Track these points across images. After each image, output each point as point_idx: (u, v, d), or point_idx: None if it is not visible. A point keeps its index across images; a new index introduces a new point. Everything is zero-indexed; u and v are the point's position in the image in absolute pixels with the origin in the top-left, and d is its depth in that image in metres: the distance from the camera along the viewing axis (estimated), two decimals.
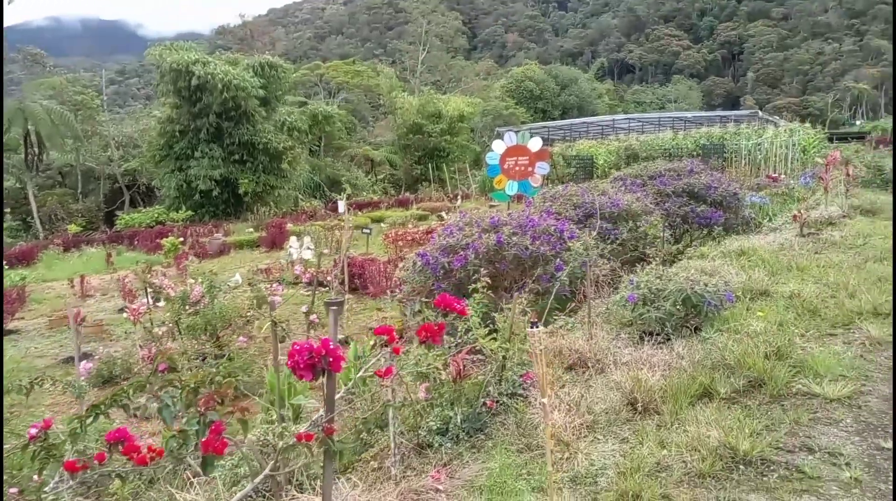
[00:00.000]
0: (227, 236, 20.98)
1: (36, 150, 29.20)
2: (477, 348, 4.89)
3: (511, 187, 18.46)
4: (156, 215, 24.52)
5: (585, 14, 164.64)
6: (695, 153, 28.41)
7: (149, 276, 8.75)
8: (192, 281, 12.54)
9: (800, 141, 27.32)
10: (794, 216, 8.84)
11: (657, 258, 6.91)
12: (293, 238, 15.61)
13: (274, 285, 9.09)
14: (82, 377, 5.78)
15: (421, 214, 24.00)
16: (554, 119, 61.57)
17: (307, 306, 8.34)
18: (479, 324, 4.87)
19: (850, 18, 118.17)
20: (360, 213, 25.61)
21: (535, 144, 18.66)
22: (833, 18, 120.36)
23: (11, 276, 13.48)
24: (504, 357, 4.43)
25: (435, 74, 58.91)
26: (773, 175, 19.47)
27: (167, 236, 19.36)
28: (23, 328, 10.39)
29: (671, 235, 10.16)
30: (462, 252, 7.53)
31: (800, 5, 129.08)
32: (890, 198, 11.14)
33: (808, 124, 31.93)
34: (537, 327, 3.00)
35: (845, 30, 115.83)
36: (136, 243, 19.04)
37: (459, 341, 4.98)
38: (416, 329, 3.53)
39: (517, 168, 19.21)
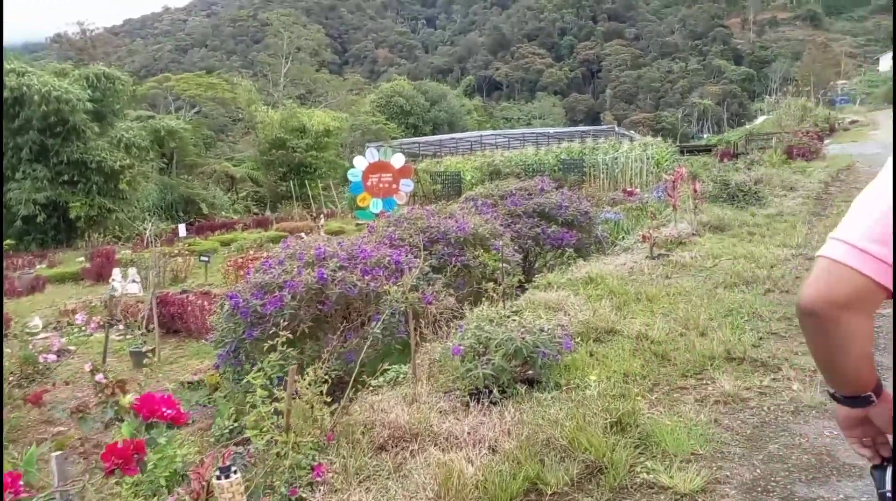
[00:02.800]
0: (51, 266, 18.52)
1: None
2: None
3: (376, 205, 17.51)
4: None
5: (454, 31, 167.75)
6: (556, 168, 28.77)
7: None
8: None
9: (654, 155, 28.32)
10: (643, 237, 8.43)
11: (497, 292, 6.14)
12: (116, 270, 13.77)
13: (51, 337, 7.55)
14: None
15: (280, 235, 22.45)
16: (425, 135, 61.46)
17: (90, 363, 6.87)
18: (265, 399, 3.81)
19: (693, 40, 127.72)
20: (211, 235, 23.73)
21: (397, 160, 17.85)
22: (679, 39, 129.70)
23: None
24: (279, 455, 3.36)
25: (299, 87, 57.05)
26: (630, 189, 19.72)
27: None
28: None
29: (523, 258, 9.55)
30: (278, 292, 6.42)
31: (650, 27, 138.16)
32: (733, 213, 11.16)
33: (660, 138, 33.37)
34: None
35: (690, 50, 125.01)
36: None
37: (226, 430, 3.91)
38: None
39: (381, 185, 18.28)
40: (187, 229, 23.84)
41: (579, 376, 4.56)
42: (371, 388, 5.41)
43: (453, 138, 49.55)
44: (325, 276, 6.39)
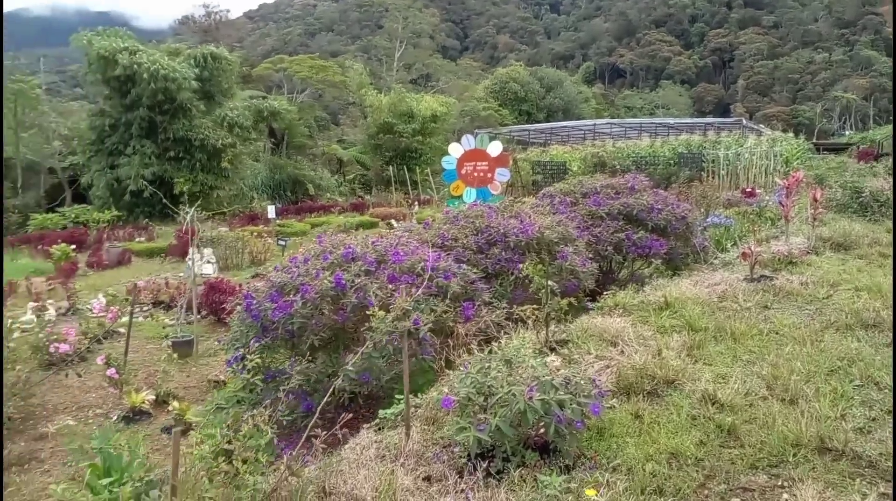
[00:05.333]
0: (150, 240, 19.01)
1: None
2: None
3: (469, 194, 16.62)
4: (75, 216, 22.44)
5: (578, 17, 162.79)
6: (671, 162, 26.62)
7: None
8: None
9: (783, 151, 25.58)
10: (743, 254, 6.97)
11: (530, 320, 5.04)
12: (192, 250, 13.64)
13: (66, 328, 7.17)
14: None
15: (372, 220, 22.08)
16: (538, 122, 59.73)
17: (103, 356, 6.36)
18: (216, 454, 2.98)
19: (840, 28, 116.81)
20: (307, 217, 23.71)
21: (494, 148, 16.83)
22: (823, 28, 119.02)
23: None
24: None
25: (412, 72, 56.93)
26: (749, 189, 17.68)
27: (82, 239, 17.41)
28: None
29: (599, 267, 8.29)
30: (291, 296, 5.63)
31: (790, 13, 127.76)
32: (863, 228, 9.26)
33: (790, 134, 30.20)
34: None
35: (835, 39, 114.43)
36: (39, 248, 16.99)
37: None
38: None
39: (476, 174, 17.37)
40: (284, 211, 23.96)
41: (613, 447, 3.43)
42: (368, 426, 4.50)
43: (565, 126, 47.63)
44: (343, 282, 5.53)
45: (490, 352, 3.90)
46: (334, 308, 5.49)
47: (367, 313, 5.03)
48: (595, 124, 45.20)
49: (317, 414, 3.72)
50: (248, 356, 5.29)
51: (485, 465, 3.38)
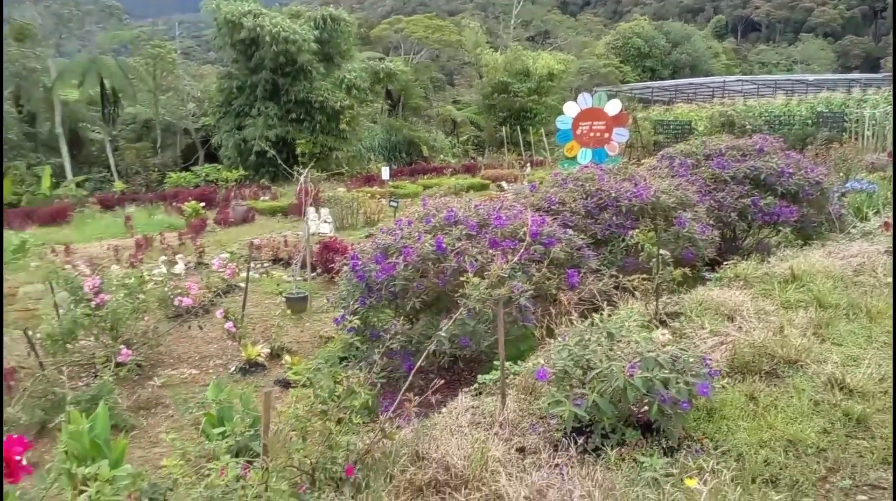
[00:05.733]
0: (273, 199, 19.88)
1: (111, 103, 29.30)
2: None
3: (584, 155, 16.12)
4: (206, 174, 23.78)
5: None
6: (808, 122, 24.60)
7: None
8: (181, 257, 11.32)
9: None
10: (885, 224, 6.28)
11: (638, 291, 4.77)
12: (311, 210, 14.11)
13: (189, 282, 7.57)
14: None
15: (482, 182, 21.97)
16: (663, 79, 56.86)
17: (222, 310, 6.69)
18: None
19: None
20: (421, 178, 23.94)
21: (612, 107, 16.15)
22: None
23: (12, 239, 12.74)
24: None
25: (530, 29, 55.57)
26: None
27: (211, 197, 18.49)
28: None
29: (721, 235, 7.77)
30: (394, 259, 5.64)
31: None
32: None
33: None
34: None
35: None
36: (174, 204, 18.21)
37: None
38: None
39: (592, 134, 16.80)
40: (399, 172, 24.28)
41: (723, 430, 3.19)
42: (467, 390, 4.46)
43: (692, 83, 45.07)
44: (444, 245, 5.47)
45: (592, 324, 3.70)
46: (436, 271, 5.46)
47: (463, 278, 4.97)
48: (724, 81, 42.47)
49: (410, 377, 3.71)
50: (347, 317, 5.38)
51: (581, 441, 3.24)
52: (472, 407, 3.98)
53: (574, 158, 16.03)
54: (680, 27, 71.28)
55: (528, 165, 24.40)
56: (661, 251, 4.94)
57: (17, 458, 1.77)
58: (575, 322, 4.99)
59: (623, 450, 3.11)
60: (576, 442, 3.24)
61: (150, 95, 30.50)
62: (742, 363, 3.82)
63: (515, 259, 4.69)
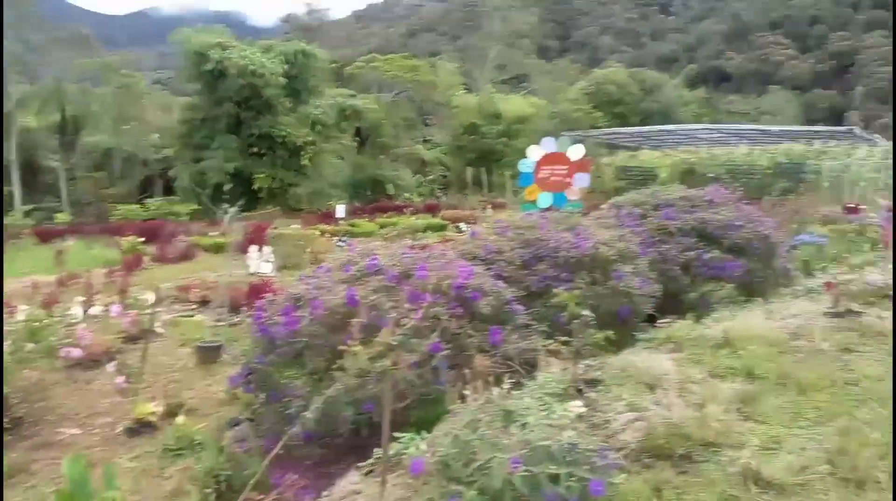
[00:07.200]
0: (224, 234, 19.32)
1: (71, 131, 28.70)
2: None
3: (545, 199, 15.90)
4: (156, 208, 23.16)
5: (687, 19, 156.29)
6: (769, 171, 24.79)
7: None
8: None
9: None
10: (827, 285, 6.00)
11: (557, 355, 4.38)
12: (253, 248, 13.63)
13: (82, 330, 7.00)
14: None
15: (441, 223, 21.68)
16: (633, 125, 57.50)
17: (114, 363, 6.14)
18: None
19: None
20: (380, 216, 23.59)
21: (575, 152, 16.00)
22: None
23: None
24: None
25: (504, 72, 56.18)
26: (853, 205, 16.07)
27: (157, 232, 17.87)
28: None
29: (664, 289, 7.45)
30: (302, 311, 5.19)
31: None
32: None
33: None
34: None
35: None
36: (115, 238, 17.53)
37: None
38: None
39: (553, 179, 16.60)
40: (360, 210, 23.92)
41: None
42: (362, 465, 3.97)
43: (662, 131, 45.52)
44: (356, 298, 5.04)
45: (487, 401, 3.28)
46: (346, 328, 5.01)
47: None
48: (692, 129, 43.02)
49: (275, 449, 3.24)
50: (244, 376, 4.90)
51: None
52: (354, 493, 3.50)
53: (534, 201, 15.84)
54: (654, 76, 72.61)
55: (490, 206, 24.19)
56: (584, 312, 4.54)
57: None
58: (490, 386, 4.57)
59: None
60: None
61: (113, 123, 29.96)
62: (655, 445, 3.41)
63: (417, 317, 4.24)
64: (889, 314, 5.60)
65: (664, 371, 4.37)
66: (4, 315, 7.16)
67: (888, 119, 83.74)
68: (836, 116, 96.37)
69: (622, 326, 6.25)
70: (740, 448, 3.33)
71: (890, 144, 27.70)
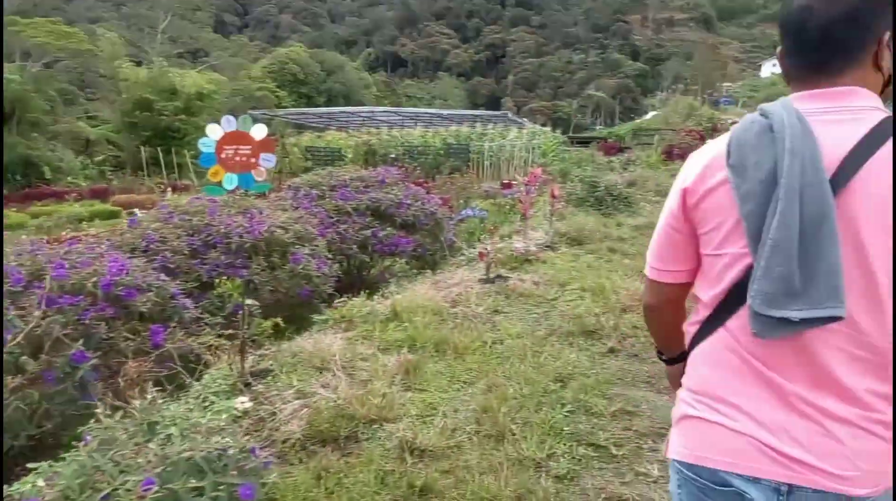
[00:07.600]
0: None
1: None
2: None
3: (230, 181, 14.99)
4: None
5: (362, 3, 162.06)
6: (441, 152, 26.97)
7: None
8: None
9: (541, 144, 27.09)
10: (480, 254, 6.68)
11: (223, 348, 4.18)
12: None
13: None
14: None
15: (113, 210, 19.48)
16: (318, 106, 58.08)
17: None
18: None
19: (595, 32, 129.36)
20: (36, 204, 20.39)
21: (259, 131, 15.29)
22: (581, 31, 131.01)
23: None
24: None
25: (178, 45, 52.36)
26: (508, 181, 18.21)
27: None
28: None
29: (345, 268, 7.62)
30: None
31: (555, 16, 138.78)
32: (597, 222, 9.64)
33: (548, 128, 32.24)
34: None
35: (591, 42, 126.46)
36: None
37: None
38: None
39: (238, 159, 15.62)
40: (7, 198, 20.37)
41: None
42: None
43: (344, 112, 46.62)
44: None
45: (125, 415, 2.93)
46: None
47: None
48: (374, 111, 44.82)
49: None
50: None
51: None
52: None
53: (220, 183, 15.00)
54: (334, 57, 74.27)
55: (170, 189, 22.44)
56: (249, 301, 4.36)
57: None
58: (146, 393, 4.15)
59: None
60: None
61: None
62: (320, 430, 3.39)
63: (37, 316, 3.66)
64: (528, 276, 6.41)
65: (333, 352, 4.41)
66: None
67: (533, 104, 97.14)
68: (493, 102, 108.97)
69: (306, 309, 6.23)
70: (400, 420, 3.48)
71: (534, 126, 32.06)
